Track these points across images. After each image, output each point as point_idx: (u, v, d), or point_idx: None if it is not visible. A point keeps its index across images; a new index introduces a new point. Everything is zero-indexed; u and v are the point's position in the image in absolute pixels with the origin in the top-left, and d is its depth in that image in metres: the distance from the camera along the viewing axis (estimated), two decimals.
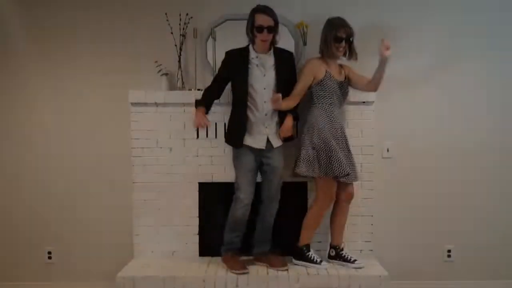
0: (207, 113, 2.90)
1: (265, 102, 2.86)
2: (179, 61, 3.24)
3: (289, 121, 2.89)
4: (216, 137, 3.19)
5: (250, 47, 2.90)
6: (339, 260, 2.99)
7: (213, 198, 3.21)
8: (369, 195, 3.21)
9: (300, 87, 2.90)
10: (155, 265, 3.04)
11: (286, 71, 2.90)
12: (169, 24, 3.21)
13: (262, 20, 2.77)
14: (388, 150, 3.38)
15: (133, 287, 2.82)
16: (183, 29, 3.23)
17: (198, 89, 3.18)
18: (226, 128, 3.04)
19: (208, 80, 3.11)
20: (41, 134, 3.41)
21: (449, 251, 3.40)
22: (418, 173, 3.38)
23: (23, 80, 3.40)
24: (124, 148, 3.29)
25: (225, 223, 2.98)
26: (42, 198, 3.44)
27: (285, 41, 3.24)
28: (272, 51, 2.91)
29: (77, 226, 3.44)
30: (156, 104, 3.17)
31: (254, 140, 2.87)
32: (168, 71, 3.25)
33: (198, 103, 2.91)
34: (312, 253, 2.97)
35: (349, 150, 2.97)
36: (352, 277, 2.83)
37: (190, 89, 3.22)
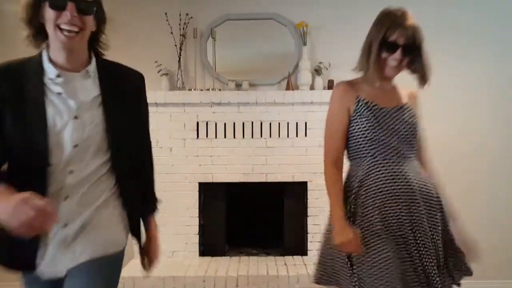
0: None
1: (72, 173, 1.30)
2: (179, 61, 3.23)
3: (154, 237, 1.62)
4: (216, 137, 3.19)
5: (45, 57, 1.34)
6: None
7: (213, 198, 3.21)
8: None
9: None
10: None
11: (129, 103, 1.44)
12: (169, 24, 3.20)
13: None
14: None
15: (133, 287, 2.82)
16: (183, 29, 3.23)
17: (201, 89, 3.18)
18: None
19: (208, 80, 3.09)
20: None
21: None
22: None
23: None
24: None
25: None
26: None
27: (285, 41, 3.25)
28: (93, 63, 1.44)
29: None
30: (156, 104, 3.17)
31: (47, 263, 1.38)
32: (168, 71, 3.25)
33: None
34: None
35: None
36: None
37: (190, 89, 3.22)
